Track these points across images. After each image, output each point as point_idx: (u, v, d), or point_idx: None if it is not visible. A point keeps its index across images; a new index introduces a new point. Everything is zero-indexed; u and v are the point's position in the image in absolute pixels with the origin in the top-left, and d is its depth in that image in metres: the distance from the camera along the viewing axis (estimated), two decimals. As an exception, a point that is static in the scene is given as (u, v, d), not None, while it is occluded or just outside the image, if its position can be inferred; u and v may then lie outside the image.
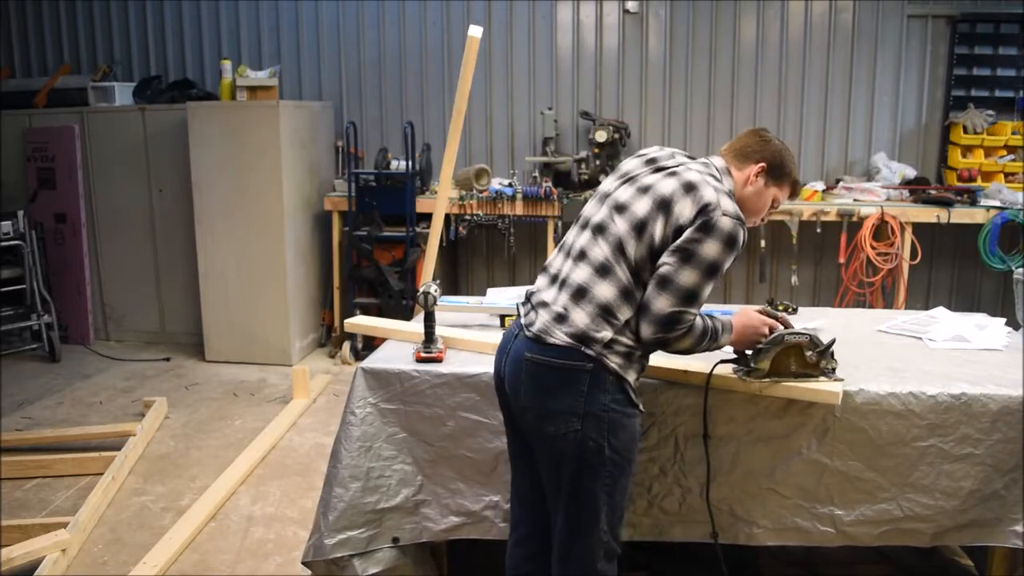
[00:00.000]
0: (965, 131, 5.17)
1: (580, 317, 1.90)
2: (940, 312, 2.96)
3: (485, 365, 2.31)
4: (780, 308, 2.85)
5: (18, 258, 5.31)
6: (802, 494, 2.22)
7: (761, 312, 2.16)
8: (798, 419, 2.19)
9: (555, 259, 2.06)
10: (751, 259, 5.50)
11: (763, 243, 5.14)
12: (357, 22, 5.84)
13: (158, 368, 5.31)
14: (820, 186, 5.21)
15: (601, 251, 1.94)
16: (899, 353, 2.49)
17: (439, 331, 2.47)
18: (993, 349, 2.55)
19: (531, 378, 1.93)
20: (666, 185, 1.94)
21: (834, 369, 2.16)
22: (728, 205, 1.90)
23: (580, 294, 1.92)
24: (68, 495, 3.49)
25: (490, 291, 3.10)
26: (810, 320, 2.78)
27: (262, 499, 3.45)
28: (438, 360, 2.36)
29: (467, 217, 5.26)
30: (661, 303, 1.87)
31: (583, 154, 5.34)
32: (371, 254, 5.28)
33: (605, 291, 1.90)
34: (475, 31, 2.91)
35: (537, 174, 5.38)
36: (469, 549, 2.59)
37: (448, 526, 2.35)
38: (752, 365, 2.12)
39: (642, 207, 1.93)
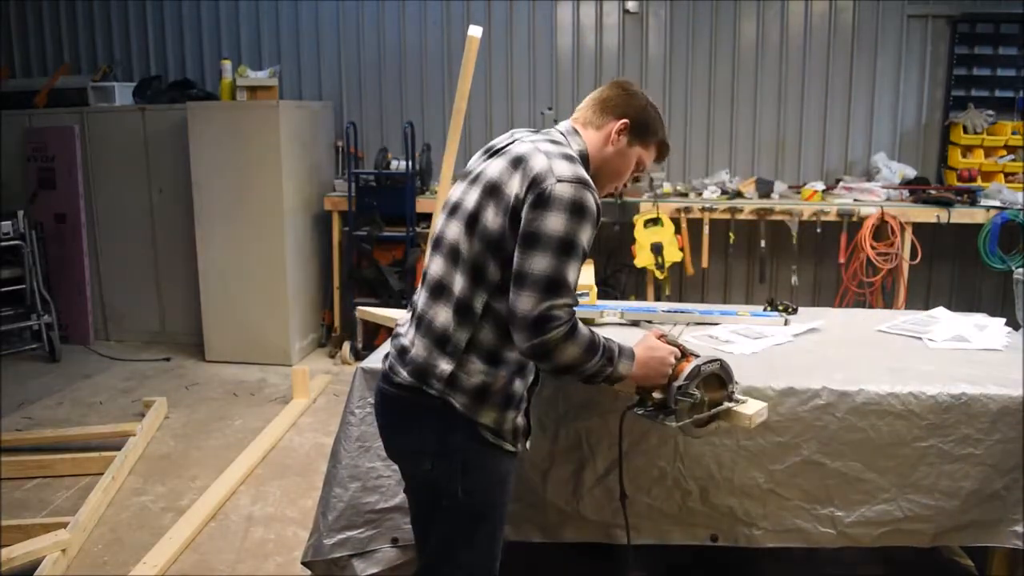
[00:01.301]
0: (965, 131, 5.17)
1: (419, 351, 1.71)
2: (940, 312, 2.96)
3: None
4: (780, 308, 2.85)
5: (18, 258, 5.31)
6: (802, 495, 2.22)
7: (660, 338, 1.83)
8: (798, 420, 2.19)
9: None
10: (751, 259, 5.50)
11: (763, 243, 5.14)
12: (357, 22, 5.84)
13: (158, 368, 5.31)
14: (820, 186, 5.21)
15: (437, 268, 1.73)
16: (899, 353, 2.49)
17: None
18: (993, 349, 2.55)
19: (382, 411, 1.83)
20: (493, 167, 1.70)
21: (733, 392, 1.90)
22: (564, 169, 1.63)
23: (420, 322, 1.74)
24: (68, 495, 3.49)
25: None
26: (810, 320, 2.78)
27: (262, 499, 3.45)
28: None
29: (467, 217, 5.26)
30: (522, 303, 1.57)
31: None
32: (371, 254, 5.28)
33: (440, 316, 1.68)
34: (475, 31, 2.91)
35: (537, 174, 5.37)
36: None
37: None
38: (688, 404, 1.79)
39: (471, 200, 1.70)
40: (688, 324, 2.77)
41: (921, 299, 5.29)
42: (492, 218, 1.64)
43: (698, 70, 5.57)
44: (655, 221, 5.01)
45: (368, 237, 5.25)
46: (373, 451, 2.32)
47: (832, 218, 4.98)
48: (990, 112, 5.21)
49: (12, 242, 5.25)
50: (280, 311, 5.31)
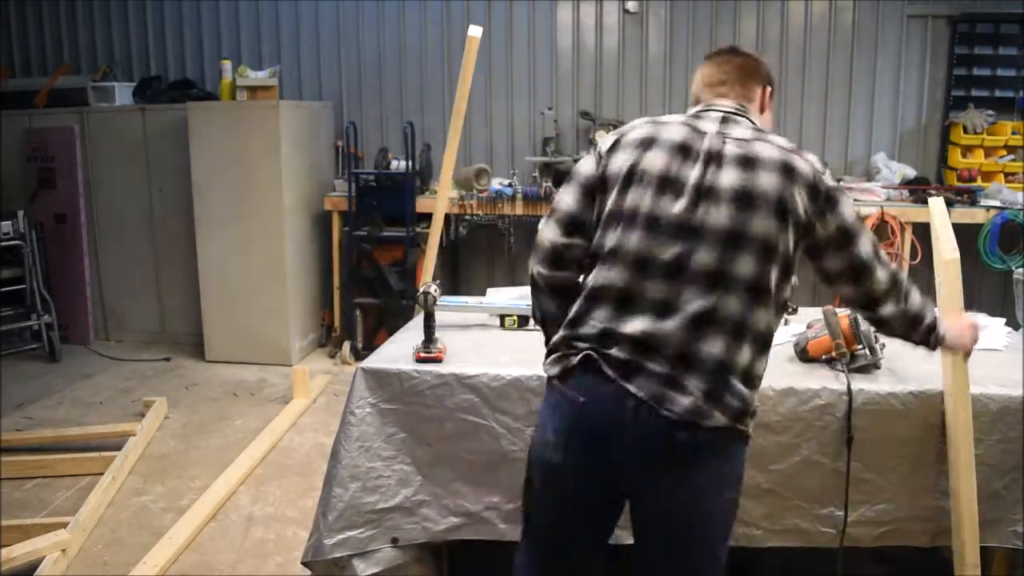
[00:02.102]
0: (965, 131, 5.17)
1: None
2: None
3: (485, 366, 2.31)
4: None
5: (18, 258, 5.31)
6: (802, 495, 2.22)
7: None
8: (798, 420, 2.18)
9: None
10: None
11: (763, 243, 5.14)
12: (357, 22, 5.84)
13: (158, 368, 5.31)
14: (820, 186, 5.20)
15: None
16: (899, 353, 2.49)
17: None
18: (993, 349, 2.55)
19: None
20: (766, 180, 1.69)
21: None
22: (812, 158, 1.78)
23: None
24: (68, 495, 3.49)
25: (490, 291, 3.10)
26: (810, 320, 2.78)
27: (262, 499, 3.45)
28: (438, 360, 2.35)
29: (467, 217, 5.27)
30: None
31: (583, 154, 5.33)
32: (371, 254, 5.27)
33: (762, 320, 1.69)
34: (475, 31, 2.91)
35: (537, 174, 5.38)
36: (469, 550, 2.58)
37: (448, 526, 2.35)
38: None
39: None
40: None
41: (921, 299, 5.28)
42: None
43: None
44: (655, 221, 5.01)
45: (368, 237, 5.25)
46: (373, 451, 2.32)
47: (832, 218, 4.97)
48: (990, 112, 5.20)
49: (12, 242, 5.25)
50: (280, 311, 5.31)
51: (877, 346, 2.30)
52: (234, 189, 5.20)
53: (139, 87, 5.75)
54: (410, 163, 5.20)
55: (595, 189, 1.77)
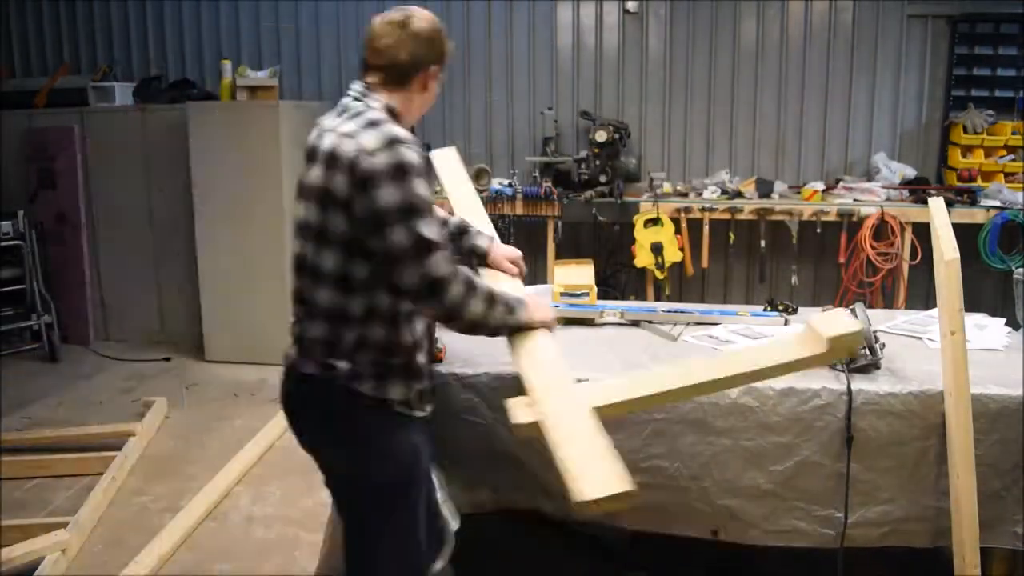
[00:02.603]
0: (965, 131, 5.16)
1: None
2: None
3: (484, 366, 2.31)
4: (780, 308, 2.85)
5: (18, 258, 5.31)
6: (802, 496, 2.22)
7: None
8: (798, 420, 2.18)
9: None
10: (751, 259, 5.49)
11: (763, 243, 5.14)
12: (357, 22, 5.83)
13: (158, 368, 5.31)
14: (820, 186, 5.21)
15: None
16: (899, 353, 2.49)
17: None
18: (993, 349, 2.55)
19: None
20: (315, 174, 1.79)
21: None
22: (370, 139, 1.68)
23: None
24: (68, 495, 3.49)
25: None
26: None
27: (262, 499, 3.45)
28: (438, 360, 2.36)
29: (467, 217, 5.26)
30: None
31: (583, 154, 5.34)
32: (371, 254, 5.27)
33: None
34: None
35: (537, 174, 5.38)
36: (470, 550, 2.59)
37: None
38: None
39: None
40: (688, 324, 2.77)
41: (921, 299, 5.28)
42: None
43: (698, 70, 5.57)
44: (655, 221, 5.01)
45: (368, 237, 5.24)
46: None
47: (832, 218, 4.98)
48: (990, 112, 5.20)
49: (12, 242, 5.25)
50: (280, 311, 5.29)
51: (877, 346, 2.30)
52: (234, 189, 5.20)
53: (139, 87, 5.75)
54: (410, 163, 5.19)
55: None
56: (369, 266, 1.72)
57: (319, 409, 1.88)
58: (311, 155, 1.79)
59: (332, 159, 1.69)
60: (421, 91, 1.86)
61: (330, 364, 1.80)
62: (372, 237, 1.68)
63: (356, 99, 1.81)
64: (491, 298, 1.81)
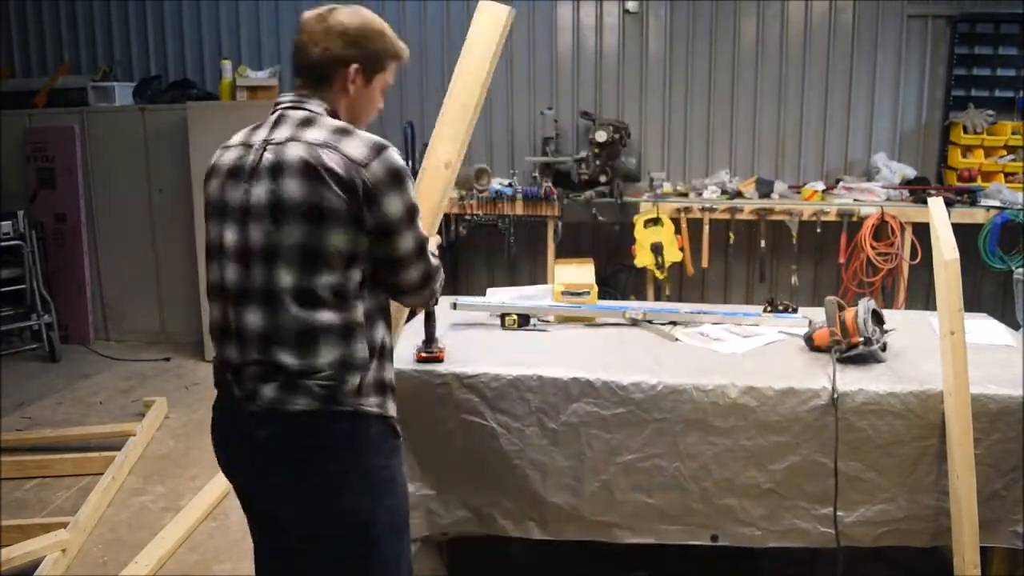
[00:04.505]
0: (965, 131, 5.16)
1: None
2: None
3: (484, 365, 2.31)
4: (780, 308, 2.85)
5: (18, 258, 5.31)
6: (802, 495, 2.22)
7: None
8: (798, 420, 2.19)
9: None
10: (751, 259, 5.49)
11: (763, 243, 5.14)
12: (357, 22, 5.83)
13: (158, 368, 5.31)
14: (820, 186, 5.21)
15: None
16: (900, 353, 2.49)
17: None
18: (993, 349, 2.55)
19: None
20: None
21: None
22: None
23: None
24: (68, 495, 3.49)
25: (490, 291, 3.10)
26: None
27: (262, 499, 3.45)
28: (439, 360, 2.36)
29: (467, 217, 5.26)
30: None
31: (583, 154, 5.34)
32: (371, 254, 5.27)
33: None
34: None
35: (537, 174, 5.37)
36: (468, 547, 2.59)
37: (453, 520, 2.36)
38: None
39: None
40: (713, 323, 2.76)
41: (921, 299, 5.28)
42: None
43: (698, 70, 5.57)
44: (655, 221, 5.01)
45: (368, 237, 5.24)
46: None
47: (832, 218, 4.98)
48: (990, 112, 5.20)
49: (12, 242, 5.25)
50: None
51: (874, 337, 2.30)
52: (234, 189, 5.19)
53: (139, 87, 5.75)
54: (410, 163, 5.19)
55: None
56: (359, 275, 1.60)
57: (309, 445, 1.58)
58: (239, 171, 1.61)
59: (311, 171, 1.53)
60: (344, 93, 1.68)
61: (324, 387, 1.56)
62: (379, 246, 1.59)
63: (292, 107, 1.66)
64: (438, 267, 1.75)
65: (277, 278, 1.55)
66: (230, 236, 1.61)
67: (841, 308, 2.38)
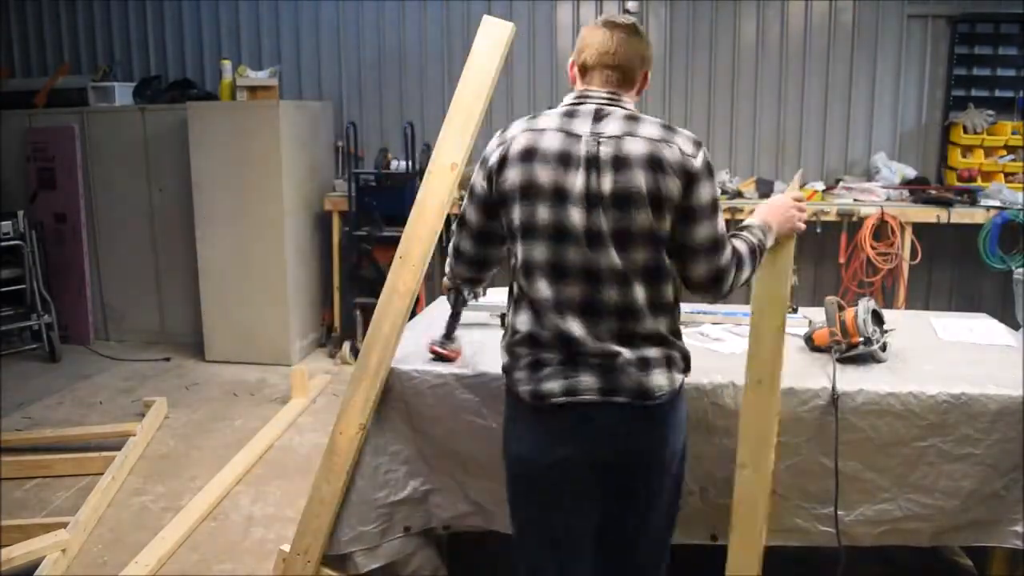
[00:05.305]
0: (965, 131, 5.16)
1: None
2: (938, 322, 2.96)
3: (484, 366, 2.31)
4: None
5: (18, 258, 5.31)
6: (802, 494, 2.22)
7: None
8: (798, 420, 2.19)
9: None
10: (751, 259, 5.49)
11: (763, 243, 5.14)
12: (357, 22, 5.84)
13: (158, 368, 5.31)
14: (820, 186, 5.21)
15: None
16: (900, 353, 2.49)
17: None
18: (993, 349, 2.55)
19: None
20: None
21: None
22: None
23: None
24: (68, 495, 3.49)
25: (490, 291, 3.10)
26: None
27: (262, 499, 3.45)
28: (449, 359, 2.35)
29: (467, 217, 5.26)
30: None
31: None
32: (371, 254, 5.27)
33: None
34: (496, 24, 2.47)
35: (537, 174, 5.37)
36: (467, 545, 2.59)
37: (456, 514, 2.37)
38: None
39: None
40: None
41: (921, 299, 5.29)
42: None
43: (698, 70, 5.57)
44: (655, 221, 5.01)
45: (368, 237, 5.25)
46: (379, 447, 2.33)
47: (832, 218, 4.98)
48: (990, 112, 5.20)
49: (12, 242, 5.25)
50: (280, 311, 5.31)
51: (874, 337, 2.31)
52: (234, 189, 5.20)
53: (139, 87, 5.75)
54: (410, 163, 5.20)
55: (496, 205, 1.85)
56: (666, 260, 1.78)
57: (665, 413, 1.87)
58: (568, 158, 1.75)
59: (656, 164, 1.72)
60: (638, 93, 1.93)
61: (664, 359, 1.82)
62: (683, 232, 1.76)
63: (609, 103, 1.83)
64: (741, 261, 1.89)
65: (630, 261, 1.74)
66: (575, 219, 1.74)
67: (841, 308, 2.38)
